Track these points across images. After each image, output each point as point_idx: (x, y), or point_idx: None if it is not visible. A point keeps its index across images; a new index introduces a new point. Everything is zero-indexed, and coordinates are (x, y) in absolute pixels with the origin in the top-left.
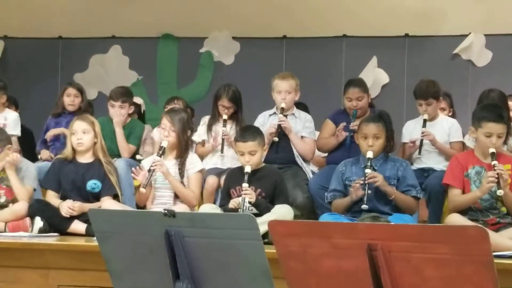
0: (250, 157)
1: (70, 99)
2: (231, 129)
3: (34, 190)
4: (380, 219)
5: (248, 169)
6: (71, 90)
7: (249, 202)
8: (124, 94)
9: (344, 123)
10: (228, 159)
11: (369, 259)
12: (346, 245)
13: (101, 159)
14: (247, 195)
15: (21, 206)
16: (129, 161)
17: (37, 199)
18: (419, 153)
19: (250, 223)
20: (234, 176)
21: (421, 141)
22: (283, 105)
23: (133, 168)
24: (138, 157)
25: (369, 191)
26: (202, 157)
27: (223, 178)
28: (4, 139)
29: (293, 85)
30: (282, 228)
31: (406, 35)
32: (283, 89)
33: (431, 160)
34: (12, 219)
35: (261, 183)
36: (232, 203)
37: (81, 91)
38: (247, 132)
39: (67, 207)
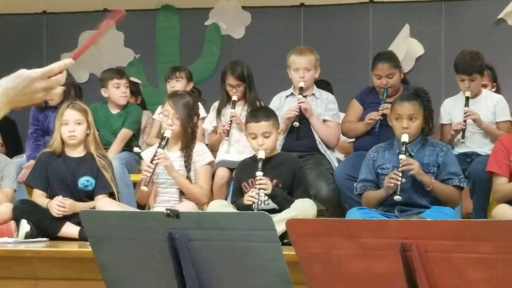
0: (264, 140)
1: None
2: (242, 111)
3: (15, 191)
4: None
5: (261, 154)
6: None
7: (265, 194)
8: (123, 71)
9: (377, 117)
10: (240, 147)
11: (403, 260)
12: (376, 245)
13: (93, 152)
14: (261, 185)
15: (5, 208)
16: (124, 158)
17: (23, 199)
18: (463, 137)
19: (265, 223)
20: (246, 168)
21: (465, 122)
22: (301, 84)
23: (144, 170)
24: (136, 149)
25: (404, 180)
26: (215, 146)
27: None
28: None
29: (312, 61)
30: (302, 228)
31: None
32: (301, 66)
33: (475, 143)
34: None
35: (277, 172)
36: (248, 198)
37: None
38: (260, 111)
39: (57, 205)
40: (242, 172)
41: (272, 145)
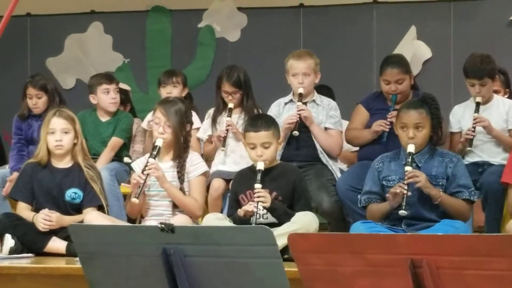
0: (263, 150)
1: (32, 102)
2: (238, 119)
3: None
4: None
5: (260, 166)
6: (31, 91)
7: (263, 207)
8: (115, 77)
9: (387, 126)
10: (236, 157)
11: (412, 277)
12: (384, 261)
13: (80, 163)
14: (260, 198)
15: None
16: (114, 169)
17: (7, 212)
18: (470, 145)
19: (265, 237)
20: (243, 179)
21: (473, 130)
22: (300, 90)
23: (133, 179)
24: (126, 159)
25: (410, 193)
26: (210, 156)
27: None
28: None
29: (311, 65)
30: (305, 243)
31: None
32: (300, 71)
33: (487, 152)
34: None
35: (276, 184)
36: (242, 210)
37: (44, 88)
38: (259, 120)
39: (43, 218)
40: (239, 184)
41: (272, 156)
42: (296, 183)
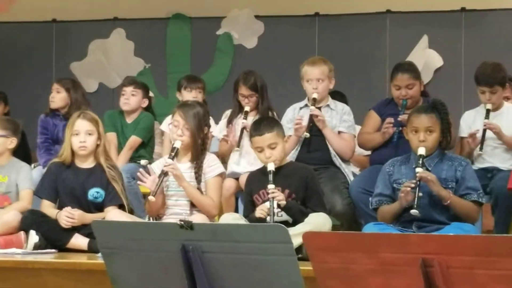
0: (271, 151)
1: (51, 96)
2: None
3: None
4: None
5: (271, 166)
6: (54, 86)
7: (278, 206)
8: (139, 82)
9: (392, 119)
10: (251, 159)
11: (424, 276)
12: (396, 260)
13: (102, 164)
14: (275, 197)
15: (12, 217)
16: (130, 169)
17: (32, 209)
18: (481, 148)
19: (281, 236)
20: (256, 179)
21: (483, 133)
22: (314, 95)
23: (138, 173)
24: (143, 162)
25: (421, 194)
26: (225, 156)
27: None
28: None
29: (325, 72)
30: (319, 241)
31: (463, 9)
32: (314, 77)
33: (496, 158)
34: (2, 232)
35: (288, 182)
36: (260, 211)
37: (66, 86)
38: (262, 123)
39: (66, 216)
40: (252, 184)
41: (280, 156)
42: (308, 180)
